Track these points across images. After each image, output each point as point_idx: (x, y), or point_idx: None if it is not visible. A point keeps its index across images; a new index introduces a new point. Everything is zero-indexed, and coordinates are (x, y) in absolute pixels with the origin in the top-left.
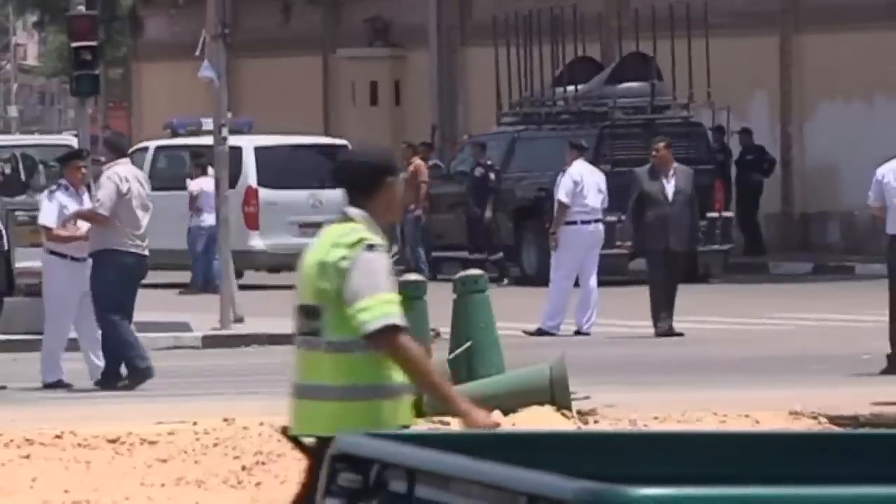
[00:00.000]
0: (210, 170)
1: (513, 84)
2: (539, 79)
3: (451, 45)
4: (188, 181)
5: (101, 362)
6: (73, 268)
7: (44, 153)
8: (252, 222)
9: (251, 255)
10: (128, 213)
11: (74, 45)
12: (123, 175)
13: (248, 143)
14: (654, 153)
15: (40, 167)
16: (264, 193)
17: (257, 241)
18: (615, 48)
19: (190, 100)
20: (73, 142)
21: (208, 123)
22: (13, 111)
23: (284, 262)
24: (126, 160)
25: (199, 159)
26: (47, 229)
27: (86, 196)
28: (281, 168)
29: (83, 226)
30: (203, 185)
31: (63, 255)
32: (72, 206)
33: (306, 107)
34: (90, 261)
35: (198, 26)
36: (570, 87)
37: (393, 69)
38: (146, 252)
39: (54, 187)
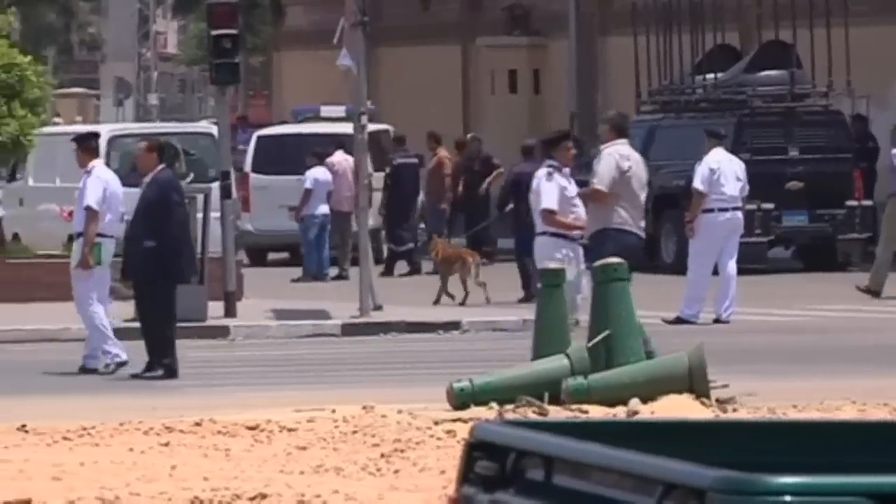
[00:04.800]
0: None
1: (652, 72)
2: (678, 67)
3: (590, 34)
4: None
5: None
6: (568, 248)
7: (184, 141)
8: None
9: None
10: (628, 192)
11: (214, 33)
12: (625, 154)
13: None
14: None
15: (181, 155)
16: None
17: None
18: (754, 36)
19: (329, 88)
20: (214, 130)
21: (328, 111)
22: (153, 99)
23: None
24: (625, 140)
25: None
26: (549, 212)
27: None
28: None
29: (581, 210)
30: (317, 174)
31: (562, 236)
32: (569, 187)
33: (445, 96)
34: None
35: (337, 14)
36: (710, 76)
37: (532, 58)
38: (643, 233)
39: (550, 169)
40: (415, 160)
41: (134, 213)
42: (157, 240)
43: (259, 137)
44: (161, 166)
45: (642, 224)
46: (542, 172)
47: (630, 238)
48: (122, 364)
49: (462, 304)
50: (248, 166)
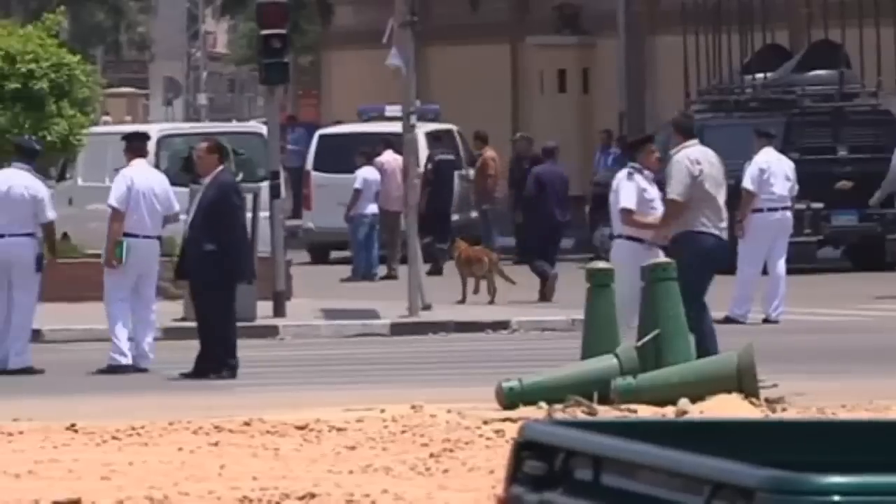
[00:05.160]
0: (391, 153)
1: (701, 72)
2: (727, 66)
3: (639, 33)
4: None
5: None
6: (645, 253)
7: (233, 140)
8: None
9: None
10: (702, 194)
11: (264, 32)
12: (694, 157)
13: (420, 130)
14: None
15: (230, 154)
16: None
17: None
18: (804, 36)
19: (379, 88)
20: (263, 129)
21: (393, 111)
22: (203, 99)
23: None
24: (694, 141)
25: (363, 149)
26: (628, 212)
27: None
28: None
29: (658, 211)
30: (366, 174)
31: (639, 240)
32: (649, 189)
33: (494, 95)
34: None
35: (386, 14)
36: (759, 75)
37: (581, 57)
38: (725, 235)
39: (631, 170)
40: (452, 157)
41: (193, 215)
42: (218, 242)
43: (321, 136)
44: (220, 168)
45: (723, 224)
46: (622, 173)
47: (709, 240)
48: (120, 367)
49: (491, 302)
50: (309, 165)
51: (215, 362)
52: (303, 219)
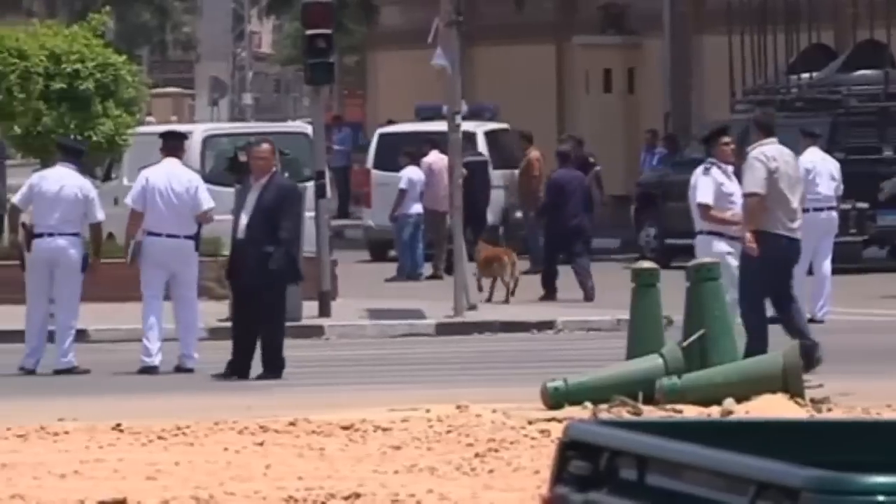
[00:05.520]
0: (437, 153)
1: (746, 72)
2: (773, 66)
3: (685, 33)
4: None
5: None
6: (728, 247)
7: (279, 140)
8: (487, 200)
9: None
10: (775, 192)
11: (309, 32)
12: (770, 155)
13: (479, 129)
14: None
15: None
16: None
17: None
18: (849, 35)
19: (424, 88)
20: (308, 129)
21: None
22: (248, 99)
23: None
24: (773, 140)
25: (408, 149)
26: (706, 207)
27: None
28: None
29: (739, 207)
30: (411, 174)
31: (721, 235)
32: (727, 184)
33: (540, 94)
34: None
35: (432, 14)
36: (804, 75)
37: (627, 57)
38: (798, 235)
39: (708, 165)
40: (484, 158)
41: (251, 217)
42: (276, 243)
43: (381, 135)
44: (275, 169)
45: (795, 225)
46: (700, 168)
47: (780, 241)
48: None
49: (506, 301)
50: (370, 163)
51: (274, 365)
52: (363, 217)
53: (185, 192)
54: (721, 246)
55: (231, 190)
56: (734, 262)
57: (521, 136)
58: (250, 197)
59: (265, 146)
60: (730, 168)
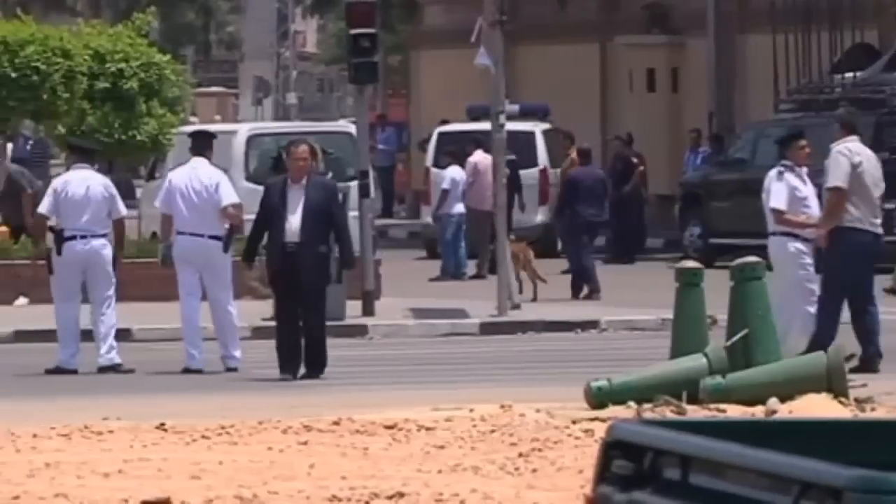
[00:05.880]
0: (482, 153)
1: (790, 71)
2: (817, 66)
3: (729, 32)
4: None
5: None
6: (802, 248)
7: (323, 140)
8: (546, 199)
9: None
10: (859, 187)
11: (353, 32)
12: (854, 150)
13: (536, 128)
14: None
15: (319, 154)
16: None
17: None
18: (893, 35)
19: (468, 87)
20: (352, 129)
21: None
22: (292, 98)
23: None
24: (855, 138)
25: (448, 147)
26: (778, 212)
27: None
28: None
29: (814, 210)
30: (454, 174)
31: (795, 236)
32: (801, 188)
33: (583, 94)
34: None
35: (475, 13)
36: (848, 74)
37: (671, 56)
38: (880, 230)
39: (782, 169)
40: (512, 157)
41: (304, 219)
42: (327, 244)
43: (440, 133)
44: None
45: (877, 220)
46: (773, 172)
47: (864, 236)
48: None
49: (534, 299)
50: (429, 161)
51: (321, 364)
52: (420, 215)
53: (204, 191)
54: (795, 246)
55: None
56: (809, 260)
57: (564, 136)
58: (293, 198)
59: (304, 147)
60: (804, 171)
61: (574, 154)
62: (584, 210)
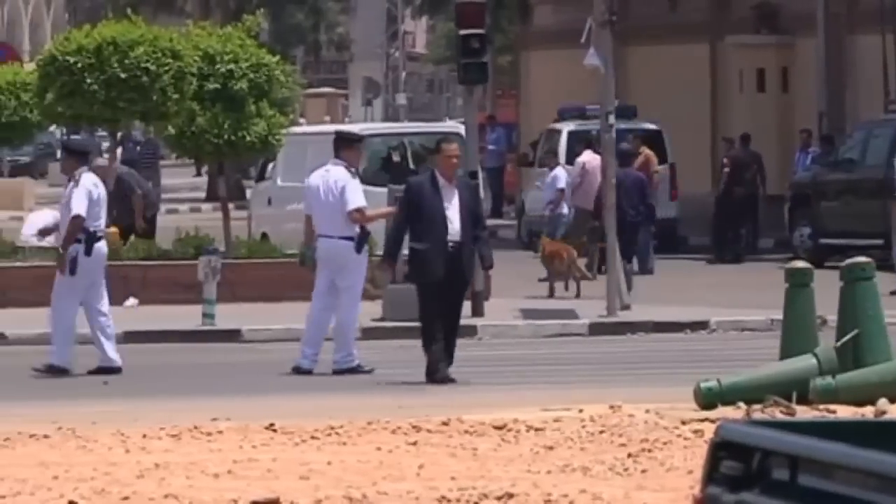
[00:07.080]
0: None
1: None
2: None
3: (838, 33)
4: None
5: None
6: None
7: (432, 141)
8: (676, 196)
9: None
10: None
11: (462, 32)
12: None
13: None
14: None
15: (428, 155)
16: None
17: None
18: None
19: (577, 87)
20: (461, 129)
21: (593, 110)
22: (402, 99)
23: None
24: None
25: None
26: None
27: None
28: None
29: None
30: (562, 174)
31: None
32: None
33: (693, 94)
34: None
35: (585, 14)
36: None
37: (780, 56)
38: None
39: None
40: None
41: (462, 217)
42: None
43: (570, 133)
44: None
45: None
46: None
47: None
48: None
49: (577, 296)
50: (561, 159)
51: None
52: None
53: (331, 193)
54: None
55: (384, 190)
56: None
57: (635, 136)
58: (448, 196)
59: (455, 144)
60: None
61: (647, 152)
62: (623, 211)
